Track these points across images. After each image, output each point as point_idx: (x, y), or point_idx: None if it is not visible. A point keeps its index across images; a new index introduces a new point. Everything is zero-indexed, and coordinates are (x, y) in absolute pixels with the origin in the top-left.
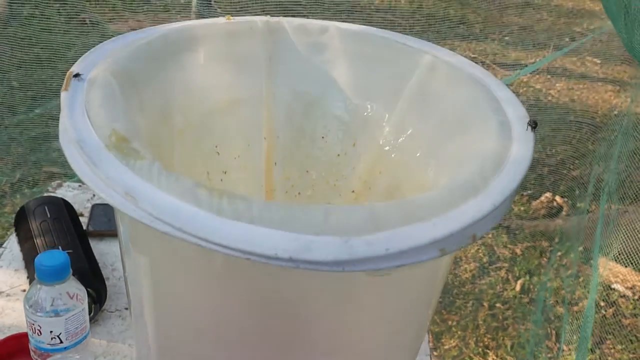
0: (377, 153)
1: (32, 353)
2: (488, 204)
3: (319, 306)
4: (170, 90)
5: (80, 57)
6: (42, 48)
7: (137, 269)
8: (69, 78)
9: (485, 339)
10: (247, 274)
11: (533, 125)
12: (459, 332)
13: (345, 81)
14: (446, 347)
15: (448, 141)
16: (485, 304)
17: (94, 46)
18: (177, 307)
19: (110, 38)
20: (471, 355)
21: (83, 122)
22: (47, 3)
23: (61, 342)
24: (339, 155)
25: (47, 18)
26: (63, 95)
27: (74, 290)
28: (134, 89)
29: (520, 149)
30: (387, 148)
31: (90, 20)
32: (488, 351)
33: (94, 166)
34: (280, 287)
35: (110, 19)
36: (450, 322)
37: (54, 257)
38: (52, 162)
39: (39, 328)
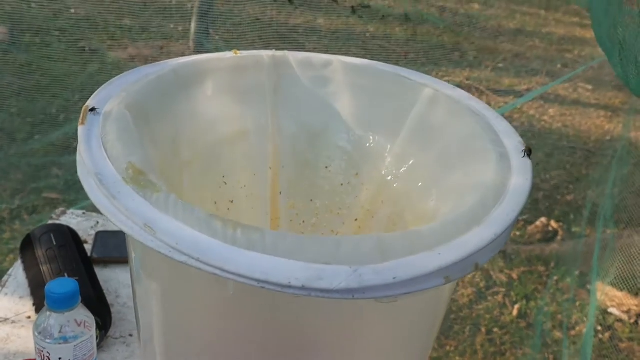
0: (380, 183)
1: None
2: (490, 234)
3: (327, 330)
4: (180, 122)
5: (80, 84)
6: (42, 75)
7: (148, 296)
8: (85, 112)
9: None
10: (258, 301)
11: (528, 152)
12: (457, 358)
13: (349, 113)
14: None
15: (449, 172)
16: (483, 329)
17: (94, 73)
18: (187, 333)
19: (109, 65)
20: None
21: (100, 155)
22: (47, 31)
23: None
24: (342, 184)
25: (47, 45)
26: (80, 129)
27: (82, 318)
28: (146, 121)
29: (519, 179)
30: (389, 178)
31: (90, 48)
32: None
33: (113, 198)
34: (290, 314)
35: (109, 47)
36: (448, 348)
37: (64, 284)
38: (51, 188)
39: (47, 355)
